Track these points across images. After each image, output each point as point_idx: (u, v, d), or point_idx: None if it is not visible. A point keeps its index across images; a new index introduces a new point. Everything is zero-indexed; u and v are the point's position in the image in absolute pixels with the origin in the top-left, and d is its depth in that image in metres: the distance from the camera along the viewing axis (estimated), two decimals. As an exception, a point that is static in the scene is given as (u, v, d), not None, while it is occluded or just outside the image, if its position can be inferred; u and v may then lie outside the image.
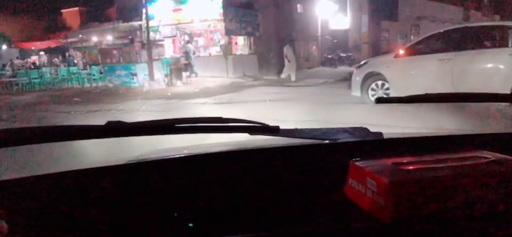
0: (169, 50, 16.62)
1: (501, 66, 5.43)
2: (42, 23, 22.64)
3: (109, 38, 18.46)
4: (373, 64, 6.84)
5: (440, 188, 0.54)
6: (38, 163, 3.17)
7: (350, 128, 0.92)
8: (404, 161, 0.63)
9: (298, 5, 20.28)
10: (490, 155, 0.64)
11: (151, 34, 13.83)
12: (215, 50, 15.96)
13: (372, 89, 6.69)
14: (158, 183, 0.74)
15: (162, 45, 15.19)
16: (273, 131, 0.83)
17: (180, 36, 16.08)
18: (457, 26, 6.73)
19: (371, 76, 6.69)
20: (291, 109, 6.91)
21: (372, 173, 0.58)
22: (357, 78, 6.85)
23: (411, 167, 0.60)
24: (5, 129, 0.68)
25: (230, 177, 0.77)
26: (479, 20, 28.24)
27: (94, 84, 13.50)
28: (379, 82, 6.62)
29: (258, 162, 0.83)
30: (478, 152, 0.66)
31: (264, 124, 0.84)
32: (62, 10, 23.22)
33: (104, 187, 0.73)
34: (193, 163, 0.84)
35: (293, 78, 12.00)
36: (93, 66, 13.81)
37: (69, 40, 19.39)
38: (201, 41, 16.84)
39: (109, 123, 0.72)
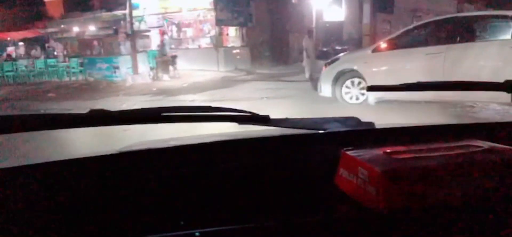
0: (155, 42, 15.65)
1: (502, 60, 4.69)
2: (24, 13, 21.23)
3: (93, 28, 17.29)
4: (347, 60, 6.06)
5: (433, 177, 0.54)
6: (21, 154, 3.06)
7: (341, 117, 0.90)
8: (396, 151, 0.62)
9: (293, -5, 19.42)
10: (483, 144, 0.63)
11: (136, 24, 12.82)
12: (205, 42, 15.00)
13: (347, 87, 5.87)
14: (144, 174, 0.72)
15: (147, 36, 14.20)
16: (263, 120, 0.82)
17: (167, 27, 15.05)
18: (447, 16, 5.91)
19: (345, 74, 5.89)
20: (292, 109, 6.11)
21: (364, 162, 0.57)
22: (328, 76, 6.02)
23: (403, 156, 0.59)
24: None
25: (219, 168, 0.74)
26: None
27: (73, 78, 12.47)
28: (355, 80, 5.81)
29: (248, 152, 0.82)
30: (471, 141, 0.65)
31: (254, 113, 0.82)
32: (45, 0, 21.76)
33: (89, 178, 0.71)
34: (181, 154, 0.82)
35: (307, 75, 10.37)
36: (72, 59, 12.72)
37: (49, 30, 18.15)
38: (190, 32, 15.85)
39: (92, 111, 0.71)
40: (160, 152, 0.82)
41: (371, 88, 0.93)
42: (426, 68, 5.16)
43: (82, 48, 12.39)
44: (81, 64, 12.36)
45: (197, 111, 0.82)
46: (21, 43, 17.05)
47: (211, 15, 14.13)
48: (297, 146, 0.82)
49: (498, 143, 0.64)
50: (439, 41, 5.21)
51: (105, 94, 9.21)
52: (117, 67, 11.17)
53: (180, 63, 12.45)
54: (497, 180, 0.54)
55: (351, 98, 5.87)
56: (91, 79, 11.73)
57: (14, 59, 14.67)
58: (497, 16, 5.14)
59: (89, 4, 19.39)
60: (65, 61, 13.54)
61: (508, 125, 0.92)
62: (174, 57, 12.12)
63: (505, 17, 4.90)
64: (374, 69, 5.58)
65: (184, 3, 14.23)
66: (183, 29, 15.95)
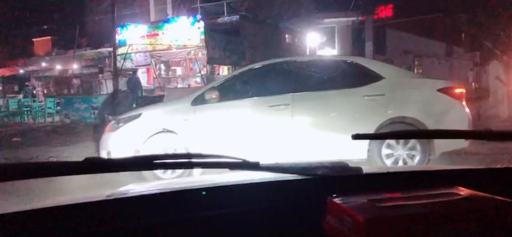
0: (142, 81, 14.71)
1: (355, 110, 4.03)
2: (8, 50, 20.21)
3: (76, 66, 16.37)
4: (155, 116, 4.26)
5: (414, 224, 0.55)
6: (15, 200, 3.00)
7: (329, 162, 0.90)
8: (380, 198, 0.63)
9: (286, 36, 19.00)
10: (464, 192, 0.65)
11: (122, 62, 11.92)
12: (194, 81, 14.11)
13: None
14: (133, 222, 0.72)
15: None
16: (253, 166, 0.84)
17: (155, 65, 14.18)
18: (287, 58, 4.77)
19: (154, 137, 4.03)
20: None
21: (348, 209, 0.58)
22: (126, 141, 4.06)
23: (386, 204, 0.60)
24: None
25: (208, 214, 0.75)
26: (460, 56, 28.36)
27: (49, 119, 11.31)
28: (172, 145, 4.02)
29: (238, 198, 0.82)
30: (452, 189, 0.67)
31: (244, 159, 0.84)
32: (34, 39, 20.75)
33: (83, 224, 0.70)
34: (170, 200, 0.82)
35: None
36: (49, 98, 11.63)
37: (30, 68, 17.15)
38: (179, 70, 14.99)
39: (87, 159, 0.72)
40: (149, 198, 0.84)
41: (357, 137, 0.91)
42: (270, 126, 4.05)
43: (59, 86, 11.34)
44: (58, 104, 11.27)
45: (189, 158, 0.83)
46: (-3, 82, 16.02)
47: (202, 53, 13.35)
48: (286, 191, 0.83)
49: (479, 190, 0.65)
50: (282, 89, 4.15)
51: (79, 139, 8.07)
52: (96, 108, 10.09)
53: (168, 103, 11.45)
54: (478, 229, 0.55)
55: (170, 173, 3.83)
56: (68, 120, 10.60)
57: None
58: (341, 61, 4.46)
59: (78, 42, 18.62)
60: (42, 101, 12.48)
61: (487, 171, 0.98)
62: (161, 97, 11.14)
63: (348, 63, 4.26)
64: (199, 129, 4.04)
65: (174, 41, 13.45)
66: (173, 67, 15.12)
